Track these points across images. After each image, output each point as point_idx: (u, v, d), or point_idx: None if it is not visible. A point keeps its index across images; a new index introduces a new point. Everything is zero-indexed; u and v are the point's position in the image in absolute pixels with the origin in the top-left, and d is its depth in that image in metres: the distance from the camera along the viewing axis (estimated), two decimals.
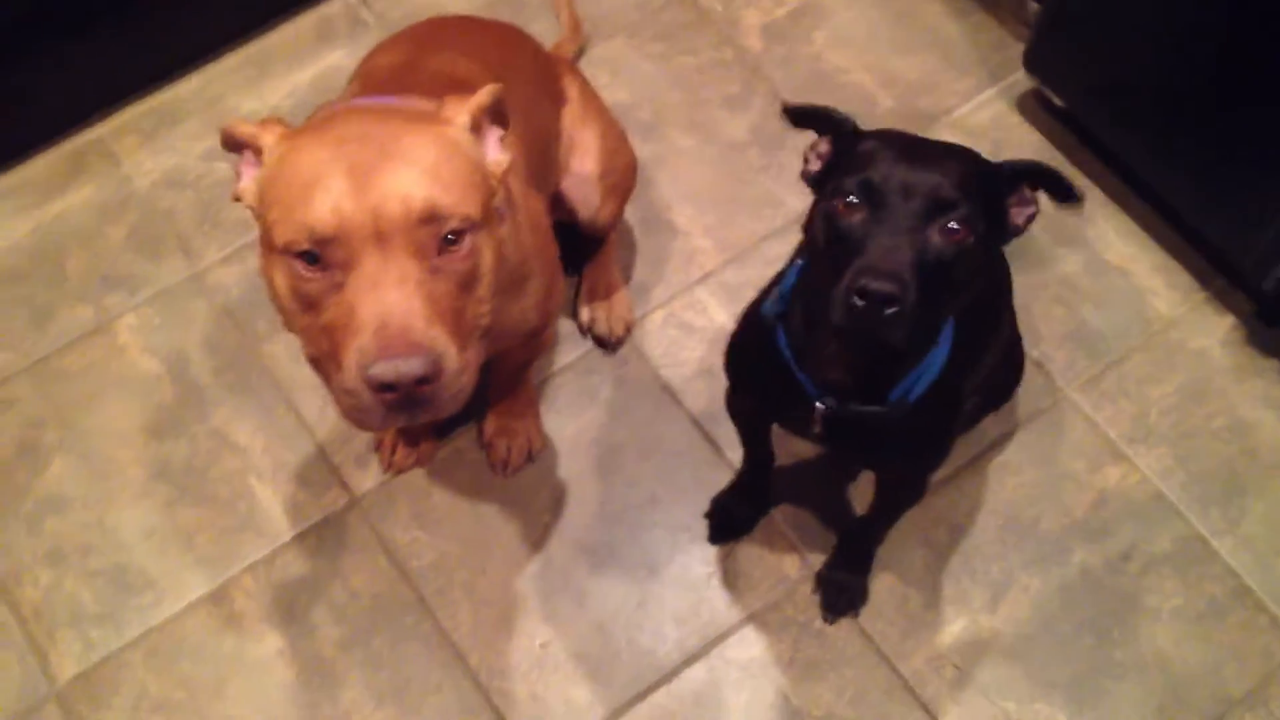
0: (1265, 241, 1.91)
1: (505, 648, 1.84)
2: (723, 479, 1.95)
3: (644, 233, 2.16)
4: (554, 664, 1.83)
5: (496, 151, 1.34)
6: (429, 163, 1.21)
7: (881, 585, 1.88)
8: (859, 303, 1.15)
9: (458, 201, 1.21)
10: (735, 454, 1.92)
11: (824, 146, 1.32)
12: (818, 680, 1.82)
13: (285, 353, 2.04)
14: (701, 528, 1.92)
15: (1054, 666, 1.83)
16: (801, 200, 2.14)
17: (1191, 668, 1.82)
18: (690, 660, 1.83)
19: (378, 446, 1.98)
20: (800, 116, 1.33)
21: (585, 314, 2.05)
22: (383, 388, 1.17)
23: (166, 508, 1.95)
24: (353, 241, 1.17)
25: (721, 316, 2.08)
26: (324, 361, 1.25)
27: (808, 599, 1.87)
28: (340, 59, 2.32)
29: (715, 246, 2.15)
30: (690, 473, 1.96)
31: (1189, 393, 2.02)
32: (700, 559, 1.90)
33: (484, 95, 1.31)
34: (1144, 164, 2.09)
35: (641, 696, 1.81)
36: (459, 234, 1.22)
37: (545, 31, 2.20)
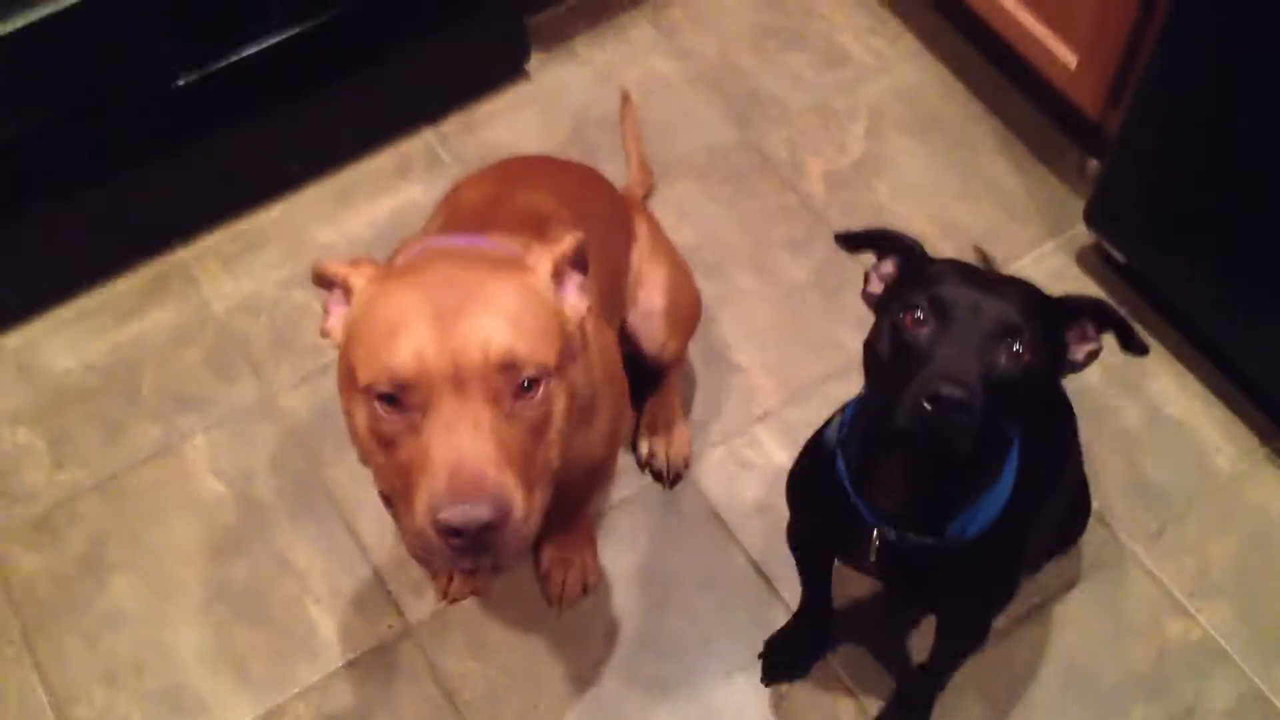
0: None
1: None
2: (778, 618, 1.93)
3: (706, 370, 2.19)
4: None
5: (576, 298, 1.37)
6: (510, 311, 1.24)
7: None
8: (928, 407, 1.16)
9: (535, 350, 1.24)
10: (792, 594, 1.91)
11: (889, 267, 1.35)
12: None
13: (349, 478, 2.07)
14: (756, 668, 1.90)
15: None
16: (861, 341, 2.17)
17: None
18: None
19: (434, 575, 1.99)
20: (862, 239, 1.37)
21: (645, 447, 2.07)
22: (450, 532, 1.19)
23: (223, 629, 1.96)
24: (432, 385, 1.20)
25: (780, 456, 2.09)
26: (395, 499, 1.28)
27: None
28: (417, 194, 2.39)
29: (775, 385, 2.17)
30: (745, 612, 1.95)
31: (1251, 547, 1.99)
32: (754, 701, 1.88)
33: (567, 244, 1.35)
34: (1205, 318, 2.10)
35: None
36: (535, 381, 1.25)
37: (615, 173, 2.26)
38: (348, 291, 1.32)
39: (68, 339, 2.25)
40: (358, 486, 2.06)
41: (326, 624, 1.96)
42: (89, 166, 2.14)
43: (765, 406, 2.15)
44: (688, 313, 2.01)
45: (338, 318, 1.33)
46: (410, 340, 1.21)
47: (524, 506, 1.24)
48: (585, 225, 1.68)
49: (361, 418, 1.27)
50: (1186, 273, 2.08)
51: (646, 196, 2.35)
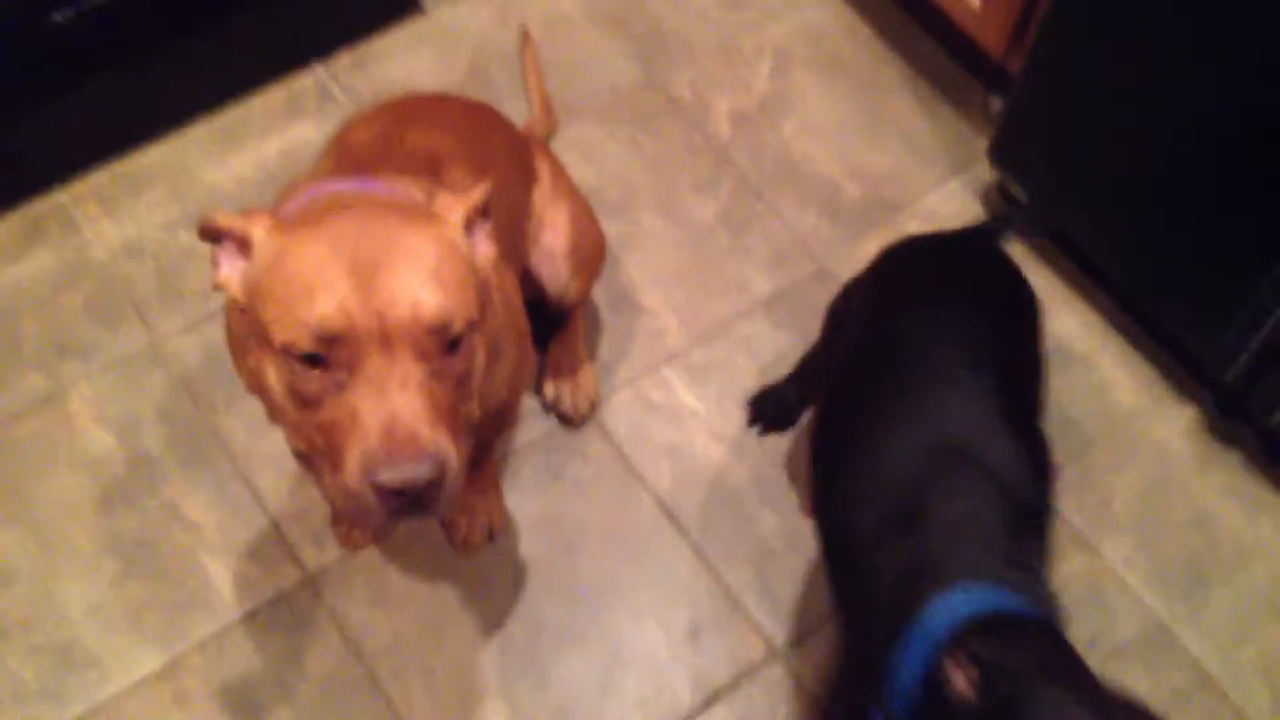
0: (1227, 334, 1.93)
1: None
2: (688, 560, 1.92)
3: (611, 312, 2.16)
4: None
5: (486, 246, 1.33)
6: (432, 266, 1.20)
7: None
8: None
9: (460, 305, 1.21)
10: (706, 541, 1.90)
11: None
12: None
13: (242, 427, 2.00)
14: (665, 608, 1.89)
15: None
16: (770, 283, 2.16)
17: None
18: None
19: (334, 523, 1.94)
20: None
21: (550, 390, 2.03)
22: (388, 492, 1.15)
23: (114, 583, 1.89)
24: (358, 343, 1.16)
25: (688, 397, 2.07)
26: (316, 458, 1.23)
27: (774, 680, 1.83)
28: (309, 133, 2.31)
29: (682, 326, 2.15)
30: (654, 555, 1.93)
31: (1152, 483, 2.03)
32: (663, 642, 1.86)
33: (478, 195, 1.31)
34: (1106, 257, 2.11)
35: None
36: (460, 337, 1.21)
37: (516, 112, 2.21)
38: (244, 245, 1.25)
39: None
40: (252, 436, 1.99)
41: (222, 575, 1.89)
42: None
43: (672, 348, 2.13)
44: (591, 254, 1.97)
45: (235, 271, 1.26)
46: (331, 297, 1.16)
47: (458, 461, 1.21)
48: (484, 166, 1.64)
49: (276, 377, 1.21)
50: (1087, 209, 2.09)
51: (549, 137, 2.30)
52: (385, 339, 1.17)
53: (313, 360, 1.18)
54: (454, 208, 1.28)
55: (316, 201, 1.33)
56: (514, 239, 1.75)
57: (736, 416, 2.06)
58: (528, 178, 1.87)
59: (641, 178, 2.31)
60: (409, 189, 1.38)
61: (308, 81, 2.39)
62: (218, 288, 1.29)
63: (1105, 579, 1.94)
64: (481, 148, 1.70)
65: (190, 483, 1.97)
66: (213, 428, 2.01)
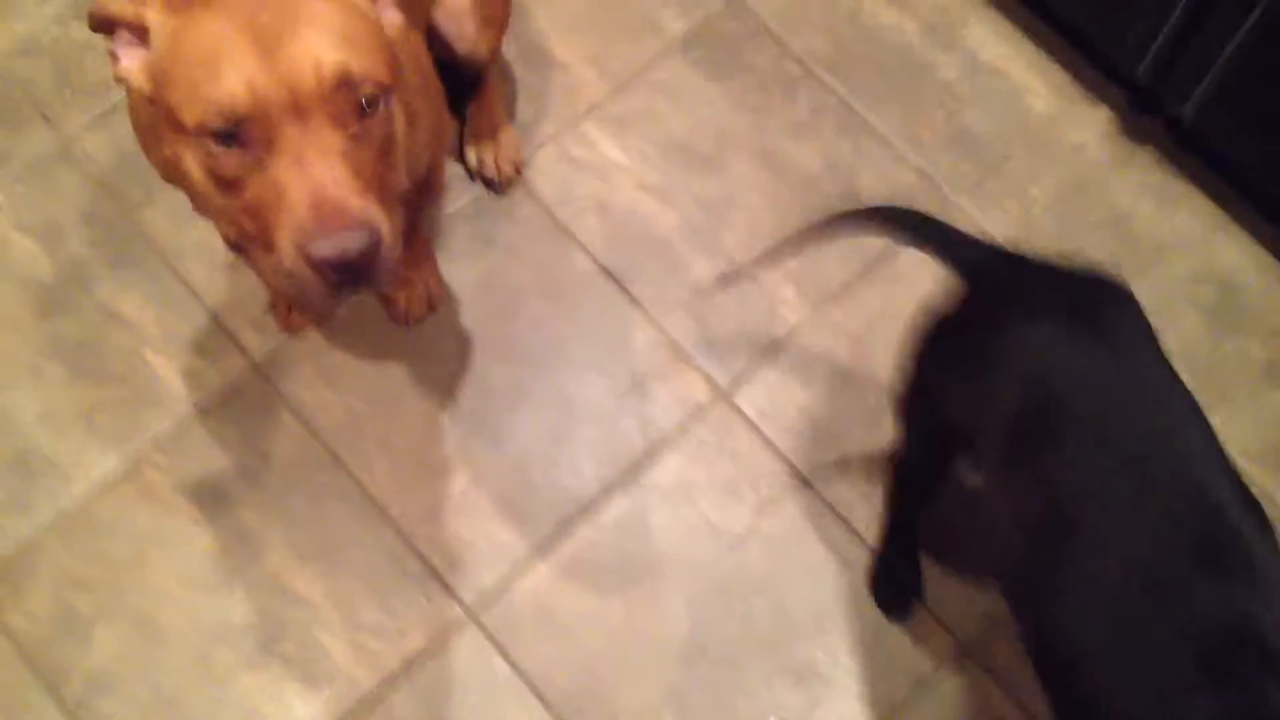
0: (1137, 29, 1.94)
1: (425, 496, 1.86)
2: (626, 314, 1.96)
3: (525, 68, 2.12)
4: (475, 506, 1.86)
5: (391, 14, 1.30)
6: (335, 27, 1.17)
7: (789, 403, 1.92)
8: None
9: (370, 66, 1.18)
10: (638, 289, 1.94)
11: None
12: (736, 500, 1.87)
13: (166, 220, 1.98)
14: (608, 361, 1.94)
15: None
16: (682, 21, 2.12)
17: None
18: (610, 490, 1.87)
19: (272, 308, 1.95)
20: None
21: (473, 156, 2.02)
22: (326, 265, 1.15)
23: (61, 388, 1.90)
24: (270, 116, 1.14)
25: (612, 150, 2.06)
26: (249, 244, 1.23)
27: (719, 419, 1.91)
28: None
29: (599, 77, 2.12)
30: (593, 309, 1.97)
31: (1069, 187, 2.07)
32: (609, 392, 1.92)
33: None
34: None
35: (567, 530, 1.85)
36: (374, 100, 1.19)
37: None
38: (140, 31, 1.21)
39: None
40: (178, 229, 1.97)
41: (168, 370, 1.91)
42: None
43: (591, 100, 2.10)
44: (497, 6, 1.91)
45: (134, 60, 1.23)
46: (236, 70, 1.13)
47: (391, 230, 1.21)
48: None
49: (193, 162, 1.19)
50: None
51: None
52: (297, 109, 1.15)
53: (227, 138, 1.16)
54: None
55: None
56: None
57: (662, 165, 2.06)
58: None
59: None
60: None
61: None
62: (119, 81, 1.25)
63: None
64: None
65: (122, 282, 1.96)
66: (136, 224, 1.99)
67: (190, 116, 1.16)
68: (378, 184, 1.21)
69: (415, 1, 1.68)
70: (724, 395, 1.93)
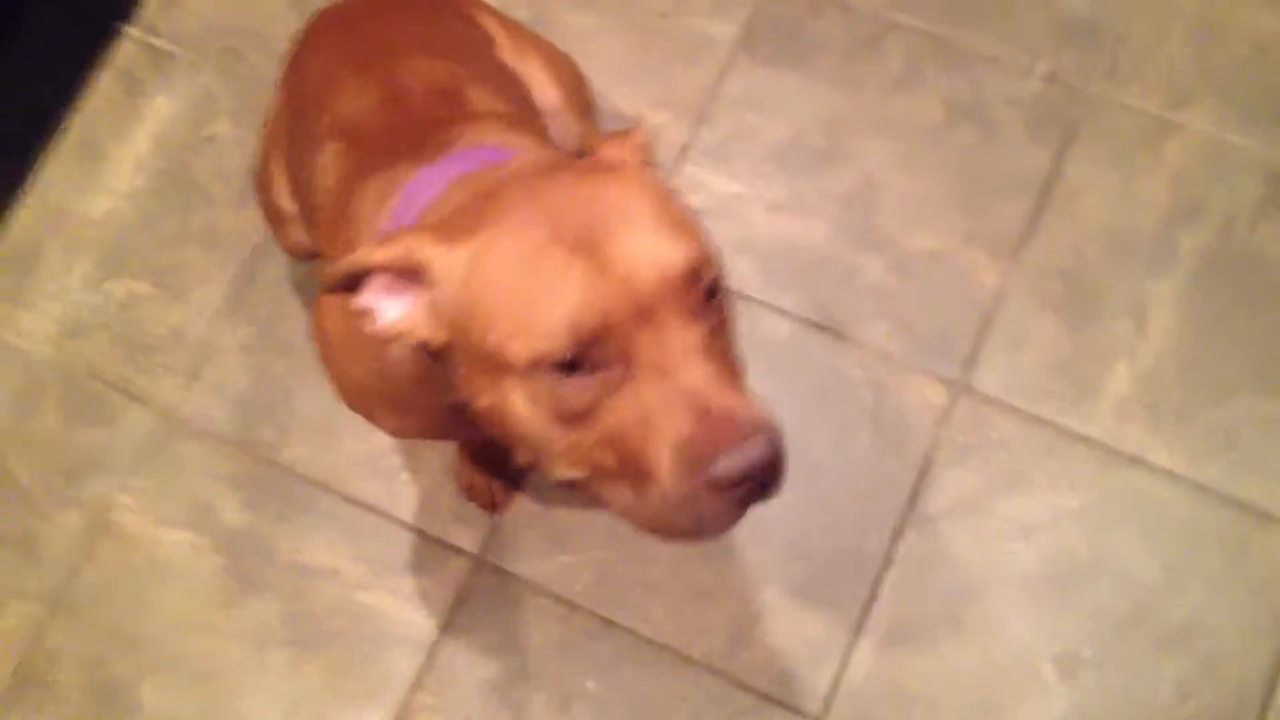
0: None
1: (716, 623, 1.68)
2: (826, 346, 1.78)
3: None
4: (773, 612, 1.68)
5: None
6: (652, 215, 0.96)
7: (1028, 363, 1.77)
8: None
9: (702, 248, 0.98)
10: (824, 316, 1.76)
11: None
12: (1027, 487, 1.72)
13: (309, 450, 1.77)
14: (834, 405, 1.76)
15: (1229, 357, 1.76)
16: (731, 23, 1.93)
17: None
18: (897, 534, 1.71)
19: (468, 492, 1.75)
20: None
21: None
22: (729, 484, 0.95)
23: (292, 672, 1.70)
24: (622, 329, 0.93)
25: (724, 184, 1.88)
26: (604, 479, 1.02)
27: (968, 413, 1.75)
28: (164, 106, 1.95)
29: (675, 117, 1.92)
30: (792, 358, 1.80)
31: (1200, 31, 1.92)
32: (846, 435, 1.75)
33: (639, 135, 1.07)
34: None
35: (874, 594, 1.69)
36: (715, 286, 0.99)
37: None
38: (412, 273, 1.00)
39: None
40: (326, 453, 1.77)
41: (391, 604, 1.72)
42: None
43: (678, 143, 1.91)
44: (581, 89, 1.71)
45: (412, 306, 1.02)
46: (570, 285, 0.92)
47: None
48: (482, 71, 1.38)
49: (526, 402, 0.98)
50: None
51: None
52: (646, 314, 0.95)
53: (568, 367, 0.97)
54: (622, 151, 1.04)
55: (445, 201, 1.08)
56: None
57: (782, 178, 1.88)
58: (487, 44, 1.59)
59: None
60: (509, 141, 1.13)
61: (128, 49, 2.00)
62: (392, 335, 1.04)
63: (1206, 149, 1.86)
64: (453, 44, 1.43)
65: (299, 534, 1.75)
66: (282, 468, 1.77)
67: (522, 351, 0.95)
68: (740, 376, 1.02)
69: (534, 124, 1.48)
70: (961, 386, 1.77)
